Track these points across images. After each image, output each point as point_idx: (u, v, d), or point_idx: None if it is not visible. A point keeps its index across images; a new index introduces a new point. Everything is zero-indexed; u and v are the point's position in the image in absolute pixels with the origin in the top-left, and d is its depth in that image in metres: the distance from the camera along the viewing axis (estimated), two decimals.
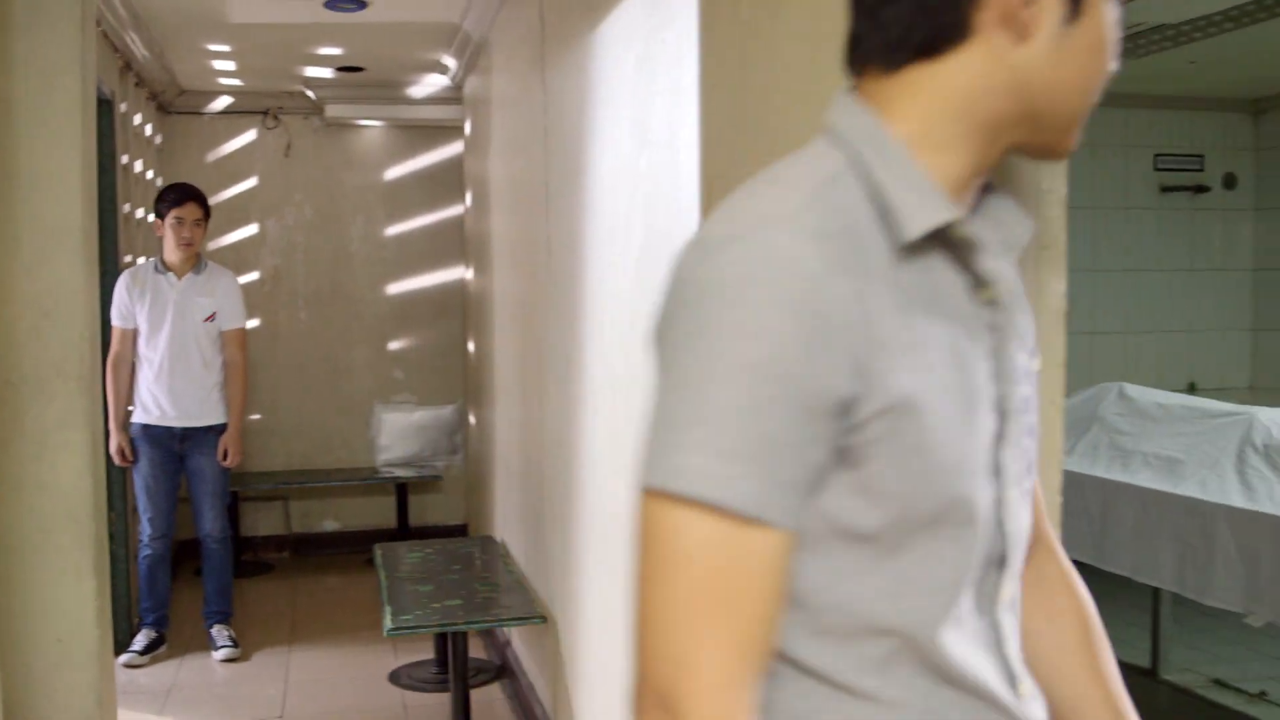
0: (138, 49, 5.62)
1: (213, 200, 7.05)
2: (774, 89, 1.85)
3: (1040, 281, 1.41)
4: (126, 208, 5.68)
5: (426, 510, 7.50)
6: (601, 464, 3.25)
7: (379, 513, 7.42)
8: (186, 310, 5.26)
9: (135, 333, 5.24)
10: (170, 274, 5.28)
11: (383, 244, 7.46)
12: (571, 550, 3.71)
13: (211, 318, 5.33)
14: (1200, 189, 7.21)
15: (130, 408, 5.28)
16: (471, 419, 6.81)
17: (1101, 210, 7.16)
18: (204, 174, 7.13)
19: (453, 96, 6.90)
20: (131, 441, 5.23)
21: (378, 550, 4.91)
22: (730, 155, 2.06)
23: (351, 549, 7.22)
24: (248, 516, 7.10)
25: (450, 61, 6.23)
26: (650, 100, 2.63)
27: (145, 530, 5.28)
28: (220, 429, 5.36)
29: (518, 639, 4.93)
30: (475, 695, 4.61)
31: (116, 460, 5.18)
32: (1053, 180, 1.41)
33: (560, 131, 3.75)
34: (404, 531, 7.07)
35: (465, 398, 7.22)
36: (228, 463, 5.38)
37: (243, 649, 5.33)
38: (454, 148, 7.35)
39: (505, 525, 5.34)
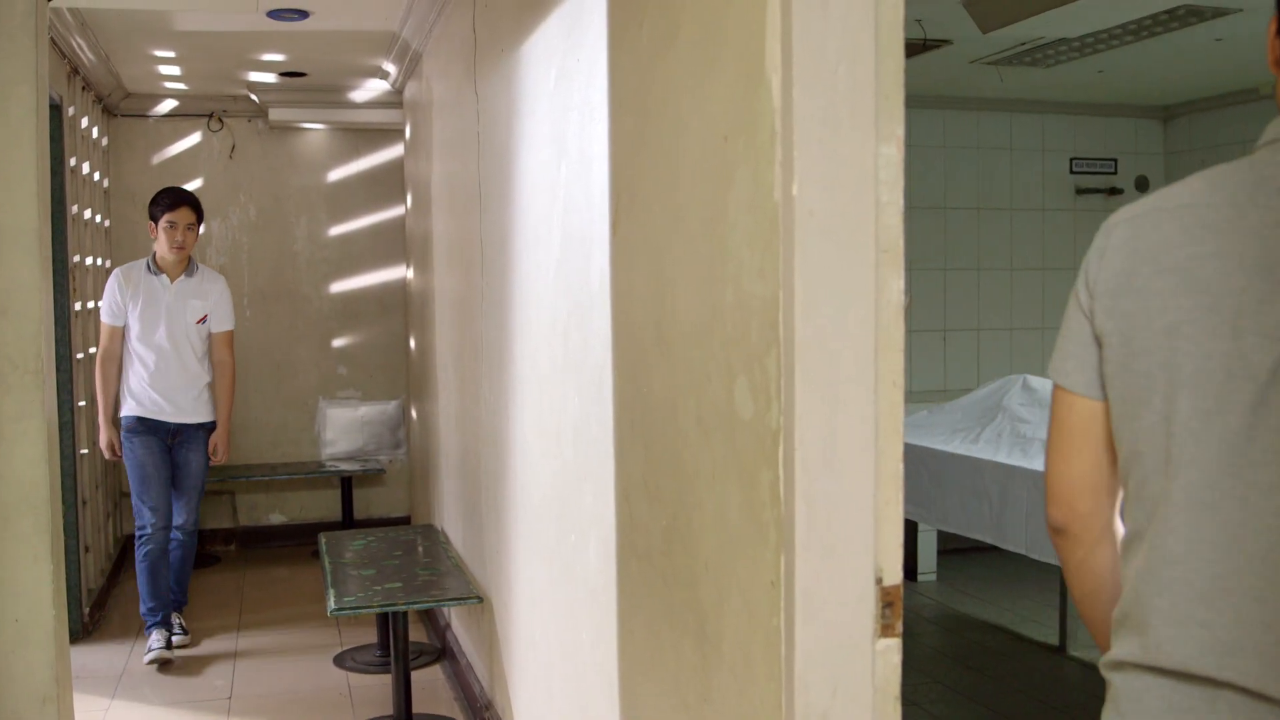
0: (85, 54, 5.77)
1: None
2: (670, 110, 2.09)
3: (880, 280, 1.65)
4: (75, 209, 5.82)
5: (370, 503, 7.70)
6: (530, 452, 3.48)
7: (324, 506, 7.60)
8: (180, 313, 5.37)
9: (124, 330, 5.34)
10: (163, 276, 5.38)
11: (326, 244, 7.64)
12: (504, 534, 3.93)
13: (203, 320, 5.44)
14: (1114, 191, 7.56)
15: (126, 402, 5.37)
16: (414, 413, 7.01)
17: (1020, 212, 7.49)
18: (150, 176, 7.29)
19: (393, 101, 7.09)
20: (122, 436, 5.33)
21: (322, 538, 5.12)
22: (635, 169, 2.29)
23: (297, 541, 7.40)
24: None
25: (390, 67, 6.42)
26: (567, 115, 2.86)
27: (148, 520, 5.33)
28: (210, 426, 5.47)
29: (457, 622, 5.14)
30: (417, 676, 4.83)
31: (107, 454, 5.41)
32: (891, 193, 1.66)
33: (492, 138, 3.97)
34: (349, 524, 7.24)
35: (408, 393, 7.42)
36: (217, 459, 5.50)
37: (192, 636, 5.50)
38: (395, 150, 7.55)
39: (445, 514, 5.55)
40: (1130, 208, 1.55)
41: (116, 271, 5.41)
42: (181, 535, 5.49)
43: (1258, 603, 1.37)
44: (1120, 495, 1.61)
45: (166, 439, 5.39)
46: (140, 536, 5.34)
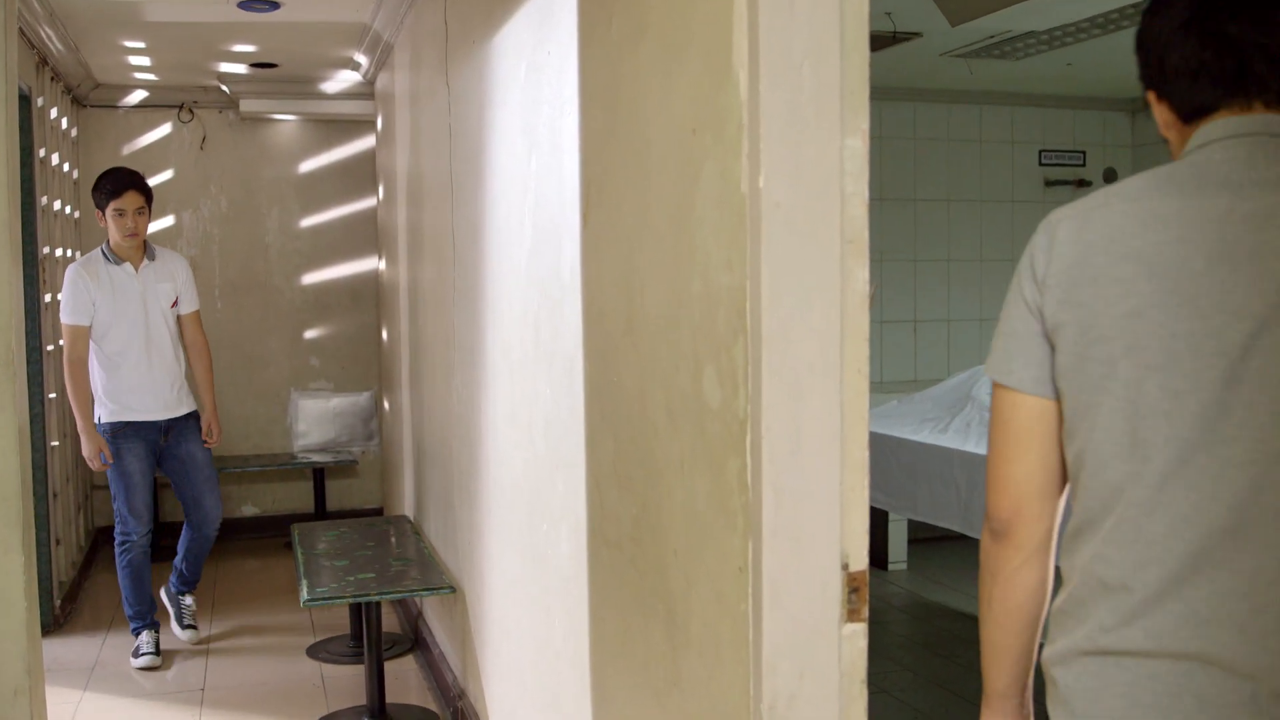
0: (53, 44, 5.74)
1: None
2: (639, 104, 2.11)
3: (846, 270, 1.68)
4: (44, 200, 5.79)
5: (343, 494, 7.70)
6: (502, 442, 3.50)
7: (297, 497, 7.60)
8: (154, 299, 5.12)
9: (89, 330, 5.03)
10: (126, 265, 5.09)
11: (298, 235, 7.62)
12: (477, 524, 3.95)
13: (175, 303, 5.21)
14: (1082, 183, 7.63)
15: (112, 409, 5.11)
16: (386, 405, 7.01)
17: (989, 204, 7.55)
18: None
19: (365, 92, 7.08)
20: (112, 452, 5.03)
21: (295, 530, 5.12)
22: (605, 162, 2.31)
23: (270, 533, 7.39)
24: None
25: (362, 59, 6.41)
26: (538, 108, 2.88)
27: (132, 528, 5.12)
28: (196, 415, 5.26)
29: (430, 613, 5.16)
30: (390, 666, 4.85)
31: (94, 465, 5.04)
32: (856, 185, 1.69)
33: (463, 130, 3.98)
34: (321, 515, 7.25)
35: (380, 384, 7.42)
36: (213, 442, 5.30)
37: (167, 630, 5.48)
38: (366, 141, 7.54)
39: (418, 505, 5.56)
40: (1071, 205, 1.60)
41: (74, 267, 5.06)
42: (213, 533, 5.33)
43: (1233, 575, 1.43)
44: (1062, 502, 1.65)
45: (158, 439, 5.15)
46: (122, 544, 5.15)
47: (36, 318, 5.43)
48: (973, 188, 7.51)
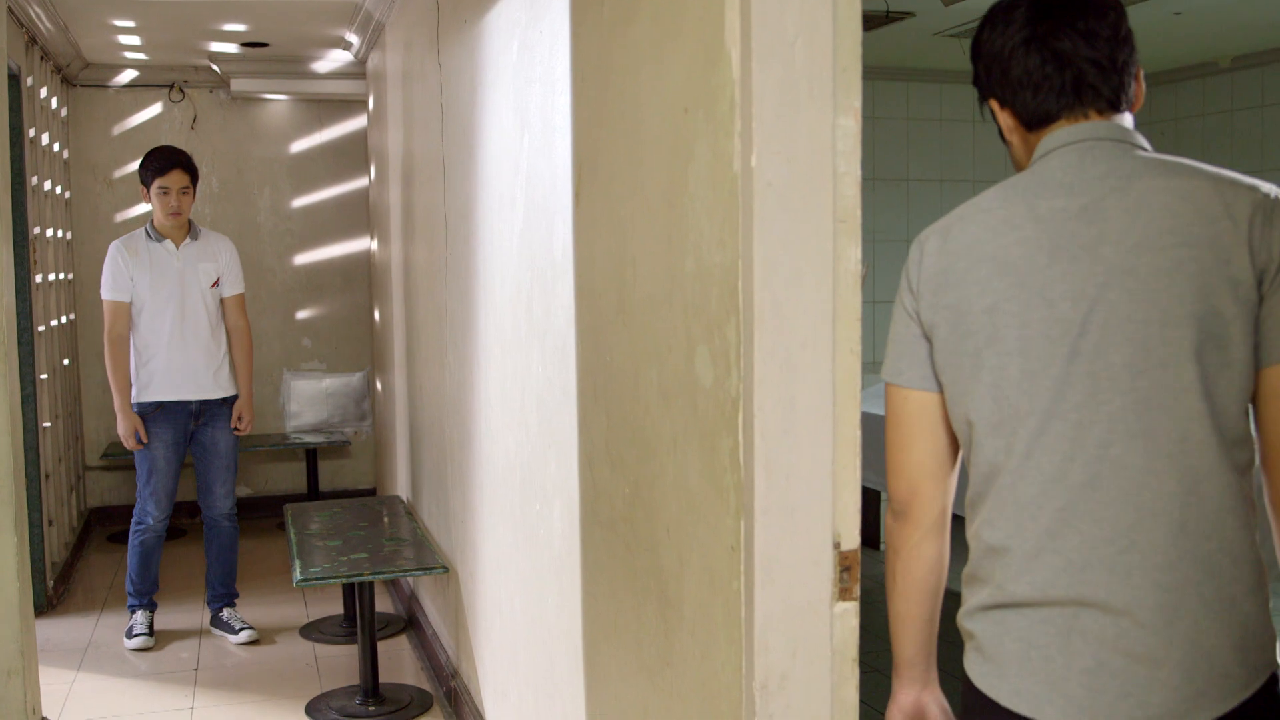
0: (43, 23, 5.71)
1: (118, 172, 7.19)
2: (631, 82, 2.11)
3: (838, 249, 1.68)
4: (34, 180, 5.77)
5: (336, 475, 7.70)
6: (494, 422, 3.50)
7: (289, 478, 7.60)
8: (193, 279, 5.07)
9: (130, 306, 5.03)
10: (167, 242, 5.06)
11: (289, 215, 7.60)
12: (469, 503, 3.96)
13: (215, 284, 5.14)
14: None
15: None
16: (378, 385, 7.01)
17: (983, 184, 7.49)
18: (110, 147, 7.24)
19: (356, 72, 7.06)
20: (143, 424, 5.02)
21: (288, 510, 5.13)
22: (597, 141, 2.31)
23: (263, 514, 7.39)
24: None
25: (353, 38, 6.39)
26: (530, 86, 2.87)
27: (150, 512, 5.08)
28: (234, 400, 5.20)
29: (423, 592, 5.17)
30: (383, 646, 4.86)
31: (128, 444, 5.02)
32: (848, 164, 1.68)
33: (455, 110, 3.97)
34: (314, 496, 7.25)
35: (372, 365, 7.41)
36: (243, 429, 5.22)
37: (160, 610, 5.48)
38: (358, 121, 7.51)
39: (411, 485, 5.57)
40: (937, 224, 1.79)
41: (116, 244, 5.06)
42: (224, 522, 5.27)
43: (1096, 524, 1.63)
44: (952, 483, 1.84)
45: (188, 422, 5.10)
46: (138, 526, 5.11)
47: (28, 298, 5.43)
48: (966, 168, 7.51)
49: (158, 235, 5.07)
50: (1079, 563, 1.63)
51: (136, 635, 5.07)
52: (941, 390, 1.77)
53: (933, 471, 1.80)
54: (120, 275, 5.01)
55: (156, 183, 5.00)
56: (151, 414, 5.03)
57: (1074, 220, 1.65)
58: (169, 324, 5.02)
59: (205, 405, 5.12)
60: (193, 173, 5.10)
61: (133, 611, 5.17)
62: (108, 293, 5.03)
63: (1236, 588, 1.62)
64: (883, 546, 1.89)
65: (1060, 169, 1.70)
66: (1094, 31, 1.72)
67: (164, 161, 5.02)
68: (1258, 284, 1.59)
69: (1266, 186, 1.64)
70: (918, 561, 1.83)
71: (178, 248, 5.08)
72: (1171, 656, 1.60)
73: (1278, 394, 1.61)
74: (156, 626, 5.20)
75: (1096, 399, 1.62)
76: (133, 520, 5.15)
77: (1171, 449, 1.60)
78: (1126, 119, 1.75)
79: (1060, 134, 1.72)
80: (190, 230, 5.14)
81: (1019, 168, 1.84)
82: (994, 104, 1.84)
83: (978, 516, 1.73)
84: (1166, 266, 1.60)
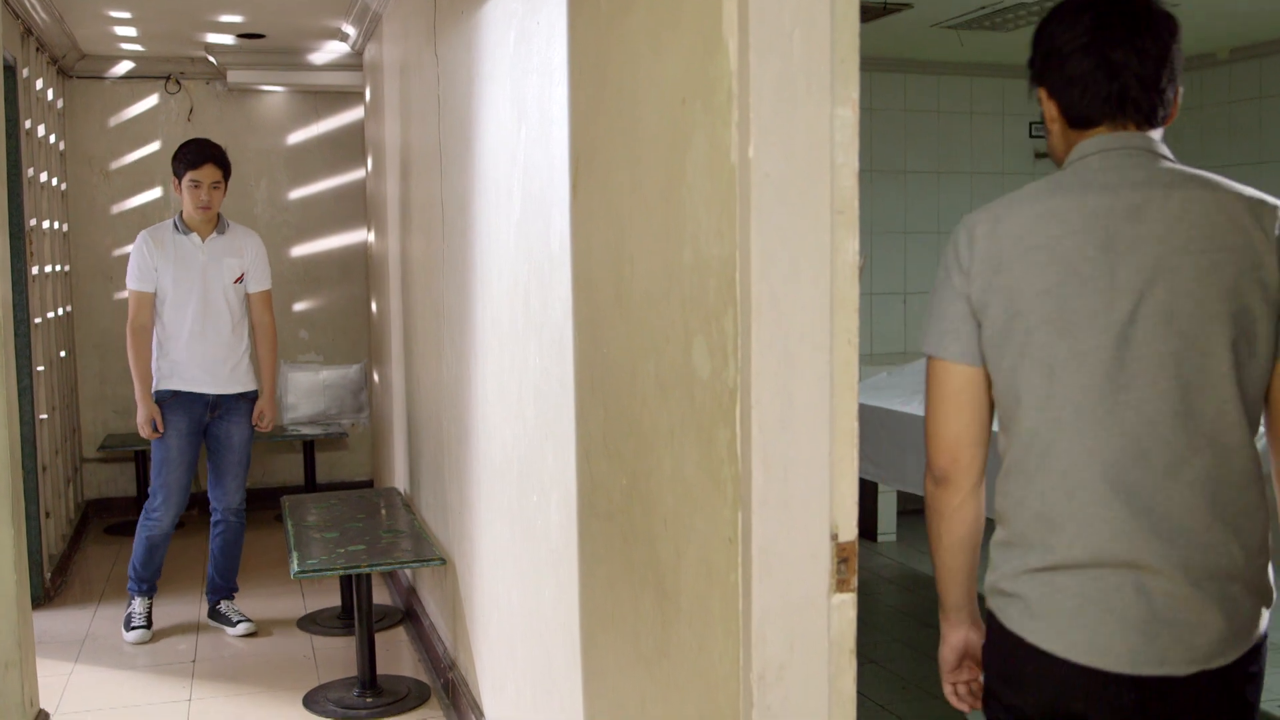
0: (38, 14, 5.70)
1: (115, 164, 7.17)
2: (629, 73, 2.10)
3: (836, 241, 1.68)
4: (30, 172, 5.76)
5: (333, 467, 7.70)
6: (492, 413, 3.50)
7: (287, 470, 7.60)
8: (216, 273, 5.04)
9: (154, 297, 5.00)
10: (194, 235, 5.04)
11: (286, 207, 7.59)
12: (467, 495, 3.96)
13: (240, 279, 5.10)
14: None
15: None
16: (376, 377, 7.00)
17: (980, 175, 7.54)
18: (106, 138, 7.23)
19: (353, 63, 7.04)
20: (160, 412, 4.99)
21: (285, 502, 5.12)
22: (594, 132, 2.31)
23: (260, 506, 7.37)
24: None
25: (350, 29, 6.38)
26: (527, 77, 2.86)
27: (159, 505, 5.04)
28: (252, 396, 5.16)
29: (420, 584, 5.17)
30: (381, 638, 4.86)
31: (144, 432, 4.98)
32: (846, 155, 1.68)
33: (452, 101, 3.96)
34: (311, 488, 7.24)
35: (369, 357, 7.41)
36: (265, 426, 5.20)
37: (157, 601, 5.48)
38: (355, 113, 7.50)
39: (408, 477, 5.56)
40: (982, 211, 1.93)
41: (143, 234, 5.05)
42: (231, 518, 5.21)
43: (1139, 494, 1.82)
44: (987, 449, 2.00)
45: (204, 414, 5.06)
46: (148, 518, 5.07)
47: (24, 290, 5.42)
48: (963, 160, 7.50)
49: (185, 228, 5.04)
50: (1128, 528, 1.82)
51: (135, 628, 5.05)
52: (984, 365, 1.92)
53: (973, 440, 1.96)
54: (145, 265, 4.98)
55: (188, 175, 4.97)
56: (167, 401, 4.99)
57: (1121, 219, 1.84)
58: (190, 318, 4.99)
59: (222, 399, 5.07)
60: (225, 167, 5.08)
61: (132, 596, 5.15)
62: (132, 282, 5.00)
63: (1255, 545, 1.86)
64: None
65: (1102, 171, 1.89)
66: (1147, 50, 1.90)
67: (197, 155, 4.99)
68: None
69: None
70: (960, 523, 2.00)
71: (204, 241, 5.04)
72: (1210, 607, 1.82)
73: None
74: (155, 619, 5.19)
75: (1145, 381, 1.81)
76: (143, 512, 5.11)
77: (1209, 428, 1.82)
78: (1158, 133, 1.94)
79: (1101, 140, 1.91)
80: (218, 225, 5.10)
81: (1053, 154, 2.04)
82: (1043, 92, 1.99)
83: (1020, 488, 1.90)
84: (1206, 267, 1.81)
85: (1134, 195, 1.85)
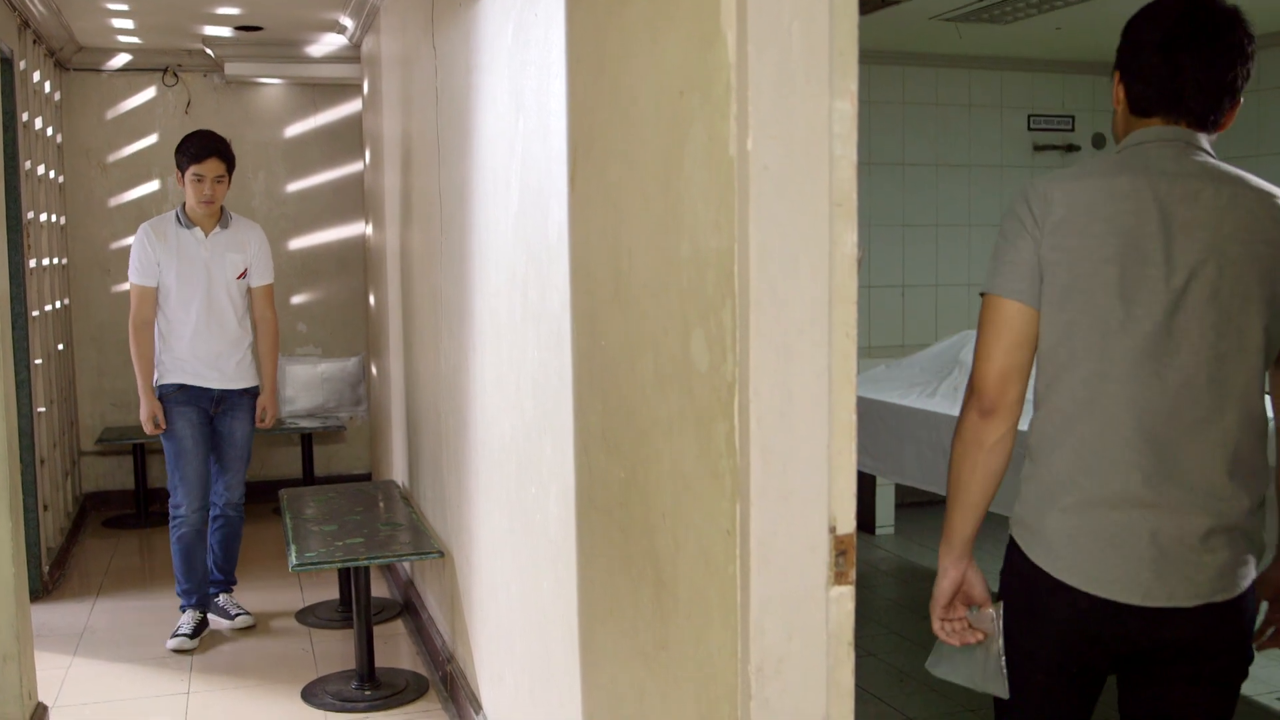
0: (35, 6, 5.69)
1: (113, 157, 7.16)
2: (627, 65, 2.10)
3: (835, 233, 1.68)
4: (28, 165, 5.76)
5: (331, 460, 7.70)
6: (490, 406, 3.50)
7: (285, 463, 7.60)
8: (220, 268, 4.97)
9: (156, 291, 4.94)
10: (196, 229, 4.96)
11: (284, 200, 7.59)
12: (465, 487, 3.96)
13: (243, 274, 5.04)
14: (1071, 148, 7.61)
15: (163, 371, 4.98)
16: (374, 370, 7.00)
17: (978, 168, 7.53)
18: (104, 131, 7.21)
19: (351, 55, 7.03)
20: (164, 408, 4.93)
21: (284, 495, 5.13)
22: (592, 124, 2.30)
23: (258, 499, 7.37)
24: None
25: (348, 21, 6.36)
26: (524, 69, 2.86)
27: (181, 501, 4.97)
28: (255, 392, 5.12)
29: (418, 577, 5.17)
30: (379, 631, 4.87)
31: (147, 429, 4.93)
32: (845, 147, 1.68)
33: (450, 93, 3.96)
34: (309, 481, 7.25)
35: (367, 349, 7.41)
36: (265, 423, 5.16)
37: (155, 595, 5.48)
38: (353, 105, 7.49)
39: (406, 470, 5.56)
40: (1053, 177, 2.14)
41: (144, 227, 4.97)
42: (230, 512, 5.17)
43: (1168, 446, 2.07)
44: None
45: (208, 408, 5.02)
46: (174, 519, 4.98)
47: (21, 283, 5.41)
48: (961, 152, 7.48)
49: (188, 221, 4.96)
50: (1158, 475, 2.06)
51: (176, 635, 4.90)
52: (1039, 310, 2.12)
53: (1022, 376, 2.14)
54: (147, 260, 4.92)
55: (191, 169, 4.89)
56: (174, 395, 4.93)
57: (1178, 203, 2.07)
58: (194, 314, 4.93)
59: (226, 394, 5.03)
60: (229, 161, 4.99)
61: (182, 610, 5.04)
62: (134, 276, 4.94)
63: (1258, 501, 2.13)
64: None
65: (1160, 158, 2.12)
66: (1212, 60, 2.12)
67: (200, 148, 4.90)
68: None
69: None
70: (998, 456, 2.16)
71: (206, 236, 4.97)
72: (1220, 548, 2.08)
73: None
74: (154, 615, 5.18)
75: (1188, 349, 2.06)
76: (169, 516, 5.02)
77: (1236, 394, 2.08)
78: (1208, 136, 2.17)
79: (1158, 130, 2.15)
80: (221, 218, 5.02)
81: (1114, 130, 2.26)
82: (1117, 75, 2.21)
83: (1062, 429, 2.12)
84: (1248, 255, 2.07)
85: (1190, 183, 2.08)
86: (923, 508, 6.73)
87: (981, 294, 2.19)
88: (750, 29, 1.61)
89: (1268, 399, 2.20)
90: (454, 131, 3.89)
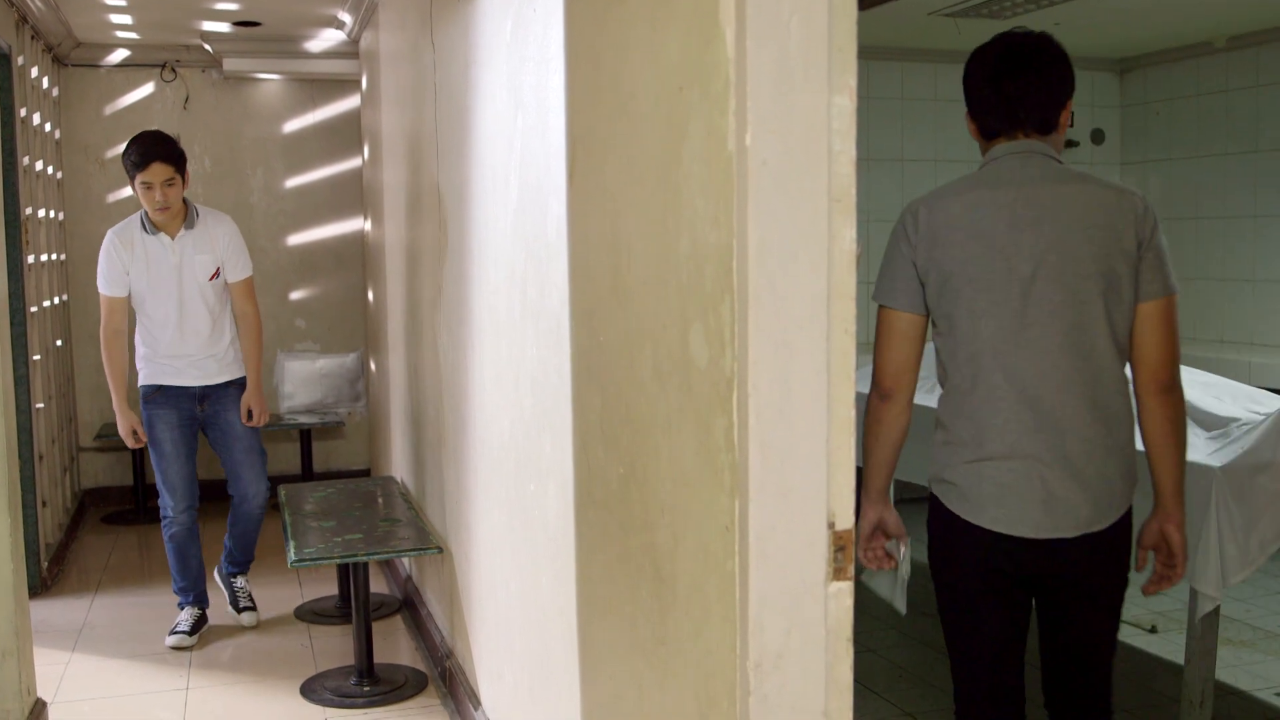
0: (34, 2, 5.68)
1: (110, 153, 7.15)
2: (626, 60, 2.10)
3: (833, 229, 1.68)
4: (26, 160, 5.75)
5: (330, 456, 7.70)
6: (489, 402, 3.49)
7: (283, 459, 7.59)
8: (189, 272, 4.79)
9: (127, 299, 4.82)
10: (162, 235, 4.77)
11: (282, 196, 7.58)
12: (463, 484, 3.96)
13: (215, 274, 4.86)
14: (1070, 144, 7.59)
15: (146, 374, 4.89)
16: (373, 366, 7.00)
17: (976, 164, 7.49)
18: (102, 126, 7.21)
19: (349, 51, 7.03)
20: (141, 408, 4.85)
21: (282, 491, 5.12)
22: (591, 120, 2.30)
23: None
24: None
25: (346, 17, 6.36)
26: (523, 65, 2.86)
27: (168, 503, 4.89)
28: (242, 383, 4.97)
29: (417, 573, 5.17)
30: (378, 627, 4.87)
31: (129, 443, 4.89)
32: (844, 143, 1.68)
33: (448, 89, 3.95)
34: (308, 477, 7.24)
35: (366, 345, 7.40)
36: (254, 423, 4.98)
37: (153, 591, 5.48)
38: (351, 101, 7.49)
39: (405, 466, 5.56)
40: (922, 199, 2.59)
41: (110, 235, 4.79)
42: (256, 509, 5.05)
43: (1043, 404, 2.49)
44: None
45: (193, 406, 4.89)
46: (163, 520, 4.93)
47: (19, 279, 5.41)
48: (960, 149, 7.46)
49: (152, 228, 4.78)
50: (1033, 428, 2.49)
51: (175, 633, 4.88)
52: (926, 313, 2.58)
53: (911, 367, 2.61)
54: (115, 269, 4.77)
55: (138, 178, 4.67)
56: (153, 396, 4.85)
57: (1022, 205, 2.49)
58: (170, 319, 4.81)
59: (209, 390, 4.91)
60: (177, 162, 4.72)
61: (180, 608, 5.01)
62: (104, 287, 4.81)
63: (1122, 438, 2.55)
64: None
65: (1007, 170, 2.55)
66: (1031, 82, 2.56)
67: (141, 155, 4.64)
68: (1138, 253, 2.49)
69: (1140, 194, 2.53)
70: (895, 428, 2.64)
71: (173, 239, 4.79)
72: (1091, 485, 2.51)
73: (1144, 317, 2.53)
74: (155, 611, 5.18)
75: (1045, 323, 2.48)
76: (160, 517, 4.97)
77: (1087, 353, 2.49)
78: (1050, 139, 2.59)
79: (1004, 146, 2.59)
80: (186, 217, 4.82)
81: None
82: (968, 115, 2.67)
83: (959, 401, 2.56)
84: (1084, 240, 2.47)
85: (1033, 188, 2.50)
86: (921, 504, 6.69)
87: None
88: (749, 24, 1.61)
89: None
90: (453, 127, 3.89)
